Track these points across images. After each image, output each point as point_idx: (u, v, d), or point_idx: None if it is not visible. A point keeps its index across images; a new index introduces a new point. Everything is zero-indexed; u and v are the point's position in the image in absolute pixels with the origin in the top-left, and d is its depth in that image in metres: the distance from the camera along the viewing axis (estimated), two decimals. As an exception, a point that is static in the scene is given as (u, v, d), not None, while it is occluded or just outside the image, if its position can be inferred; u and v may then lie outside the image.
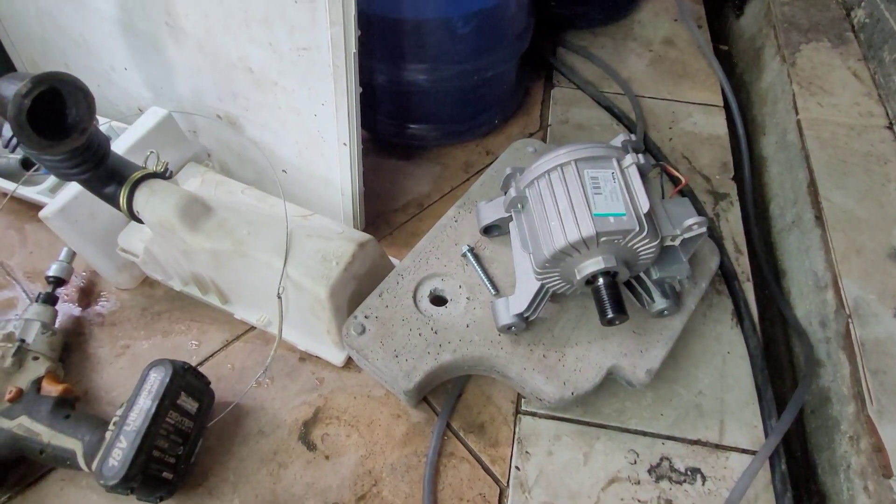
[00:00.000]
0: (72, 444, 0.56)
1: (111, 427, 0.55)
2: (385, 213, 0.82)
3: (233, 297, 0.71)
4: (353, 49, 0.58)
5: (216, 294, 0.71)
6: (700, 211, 0.83)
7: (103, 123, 0.79)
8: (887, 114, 0.93)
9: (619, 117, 0.94)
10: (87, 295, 0.75)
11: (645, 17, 1.12)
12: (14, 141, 0.47)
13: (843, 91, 0.96)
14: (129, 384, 0.66)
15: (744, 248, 0.81)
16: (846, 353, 0.69)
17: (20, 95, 0.44)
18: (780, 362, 0.80)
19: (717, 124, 0.95)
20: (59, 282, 0.71)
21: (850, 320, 0.70)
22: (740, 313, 0.74)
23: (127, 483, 0.51)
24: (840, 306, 0.72)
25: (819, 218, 0.81)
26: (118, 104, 0.83)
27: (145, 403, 0.54)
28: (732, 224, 0.83)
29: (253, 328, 0.72)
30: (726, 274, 0.77)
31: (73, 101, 0.49)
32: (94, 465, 0.54)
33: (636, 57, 1.04)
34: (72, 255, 0.73)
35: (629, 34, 1.08)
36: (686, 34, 1.09)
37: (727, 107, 0.99)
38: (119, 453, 0.52)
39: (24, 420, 0.58)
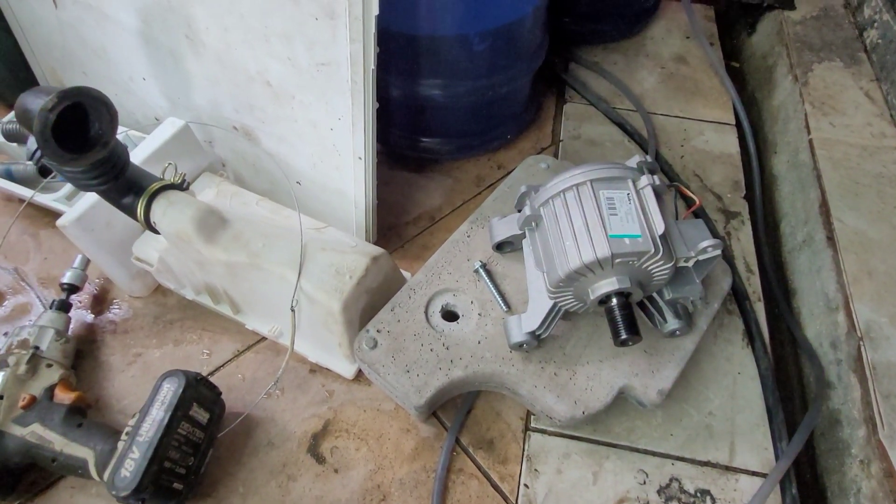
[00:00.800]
0: (84, 452, 0.56)
1: (123, 437, 0.56)
2: (397, 225, 0.82)
3: (245, 307, 0.71)
4: (372, 66, 0.59)
5: (228, 304, 0.71)
6: (714, 232, 0.83)
7: (120, 132, 0.79)
8: (899, 135, 0.93)
9: (631, 134, 0.95)
10: (100, 302, 0.75)
11: (657, 34, 1.12)
12: (38, 153, 0.48)
13: (855, 111, 0.96)
14: (141, 392, 0.66)
15: (755, 268, 0.81)
16: (857, 376, 0.69)
17: (46, 110, 0.44)
18: (790, 383, 0.80)
19: (728, 142, 0.95)
20: (72, 289, 0.71)
21: (861, 343, 0.70)
22: (751, 333, 0.74)
23: (138, 494, 0.51)
24: (851, 328, 0.72)
25: (831, 238, 0.81)
26: (135, 113, 0.84)
27: (158, 414, 0.55)
28: (744, 243, 0.83)
29: (264, 339, 0.72)
30: (737, 294, 0.77)
31: (97, 115, 0.49)
32: (105, 475, 0.54)
33: (648, 73, 1.05)
34: (86, 263, 0.73)
35: (641, 50, 1.09)
36: (698, 51, 1.09)
37: (739, 125, 0.99)
38: (131, 464, 0.52)
39: (37, 427, 0.58)
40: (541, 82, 1.00)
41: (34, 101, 0.45)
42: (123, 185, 0.59)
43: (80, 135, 0.50)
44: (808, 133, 0.93)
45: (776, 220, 0.95)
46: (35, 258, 0.79)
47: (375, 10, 0.54)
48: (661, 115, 0.98)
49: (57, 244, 0.80)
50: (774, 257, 0.91)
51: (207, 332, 0.72)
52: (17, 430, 0.58)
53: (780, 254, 0.91)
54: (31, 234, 0.81)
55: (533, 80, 0.92)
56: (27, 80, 0.89)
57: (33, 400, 0.60)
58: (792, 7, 1.15)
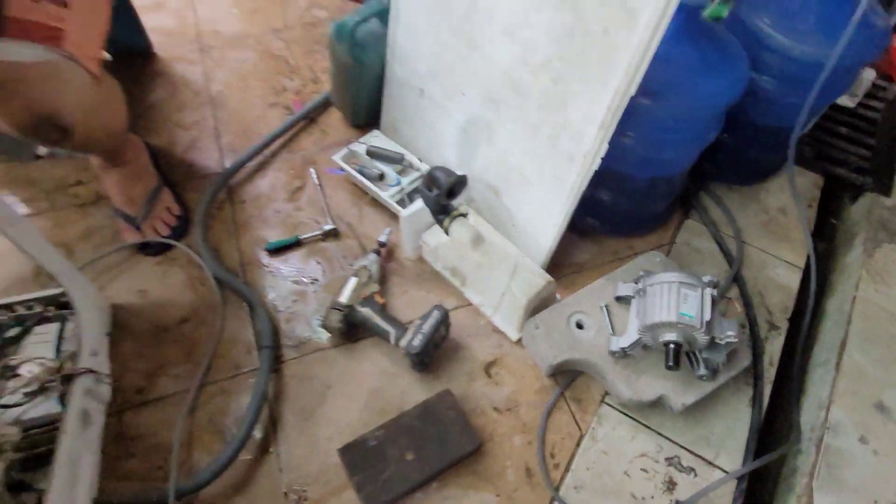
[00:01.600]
0: (389, 328, 1.16)
1: (411, 328, 1.14)
2: (559, 265, 1.35)
3: (469, 285, 1.28)
4: (583, 188, 1.12)
5: (459, 280, 1.29)
6: (753, 332, 1.27)
7: (423, 171, 1.41)
8: (924, 313, 1.30)
9: (726, 253, 1.40)
10: (390, 256, 1.36)
11: (771, 187, 1.55)
12: (434, 196, 1.07)
13: (899, 287, 1.34)
14: (406, 311, 1.25)
15: (776, 364, 1.24)
16: (815, 449, 1.11)
17: (450, 182, 1.03)
18: (781, 440, 1.22)
19: (793, 280, 1.38)
20: (382, 245, 1.33)
21: (826, 431, 1.12)
22: (755, 401, 1.18)
23: (419, 356, 1.10)
24: (825, 421, 1.14)
25: (838, 364, 1.22)
26: (434, 161, 1.44)
27: (432, 322, 1.12)
28: (775, 347, 1.26)
29: (471, 305, 1.29)
30: (756, 374, 1.21)
31: (460, 184, 1.08)
32: (402, 343, 1.13)
33: (754, 214, 1.49)
34: (390, 232, 1.35)
35: (755, 197, 1.53)
36: (797, 211, 1.51)
37: (807, 269, 1.40)
38: (418, 340, 1.10)
39: (368, 311, 1.19)
40: (676, 199, 1.48)
41: (442, 176, 1.04)
42: (443, 209, 1.18)
43: (449, 189, 1.09)
44: (856, 290, 1.33)
45: (813, 342, 1.36)
46: (359, 222, 1.42)
47: (597, 166, 1.08)
48: (752, 246, 1.43)
49: (373, 217, 1.42)
50: (803, 365, 1.32)
51: (443, 290, 1.31)
52: (361, 309, 1.19)
53: (808, 364, 1.32)
54: (358, 207, 1.45)
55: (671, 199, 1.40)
56: (373, 119, 1.53)
57: (367, 296, 1.21)
58: (888, 194, 1.52)
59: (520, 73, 1.10)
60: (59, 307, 1.12)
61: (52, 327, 1.09)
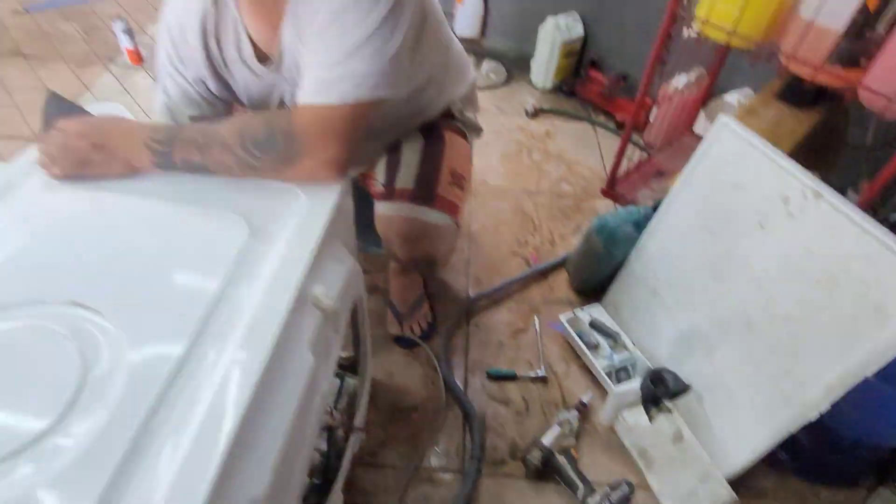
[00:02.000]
0: (580, 483, 1.34)
1: (601, 492, 1.31)
2: (740, 484, 1.44)
3: (653, 470, 1.43)
4: (792, 431, 1.25)
5: (645, 462, 1.44)
6: None
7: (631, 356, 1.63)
8: None
9: (923, 540, 1.37)
10: (587, 416, 1.57)
11: None
12: (648, 393, 1.28)
13: None
14: (588, 471, 1.43)
15: None
16: None
17: (676, 389, 1.24)
18: None
19: None
20: (583, 405, 1.54)
21: None
22: None
23: (602, 520, 1.26)
24: None
25: None
26: (646, 348, 1.66)
27: (620, 494, 1.29)
28: None
29: (650, 490, 1.42)
30: None
31: (682, 392, 1.28)
32: (588, 501, 1.30)
33: (963, 511, 1.44)
34: (591, 396, 1.56)
35: (967, 493, 1.48)
36: None
37: None
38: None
39: (564, 461, 1.39)
40: (875, 465, 1.49)
41: (671, 380, 1.25)
42: (654, 399, 1.37)
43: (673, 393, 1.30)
44: None
45: None
46: (564, 376, 1.66)
47: (813, 418, 1.21)
48: (956, 544, 1.37)
49: (577, 377, 1.66)
50: None
51: (625, 465, 1.46)
52: (558, 457, 1.39)
53: None
54: (567, 363, 1.70)
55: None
56: (595, 291, 1.82)
57: (565, 447, 1.42)
58: None
59: (757, 316, 1.30)
60: (341, 367, 1.49)
61: (335, 382, 1.45)
